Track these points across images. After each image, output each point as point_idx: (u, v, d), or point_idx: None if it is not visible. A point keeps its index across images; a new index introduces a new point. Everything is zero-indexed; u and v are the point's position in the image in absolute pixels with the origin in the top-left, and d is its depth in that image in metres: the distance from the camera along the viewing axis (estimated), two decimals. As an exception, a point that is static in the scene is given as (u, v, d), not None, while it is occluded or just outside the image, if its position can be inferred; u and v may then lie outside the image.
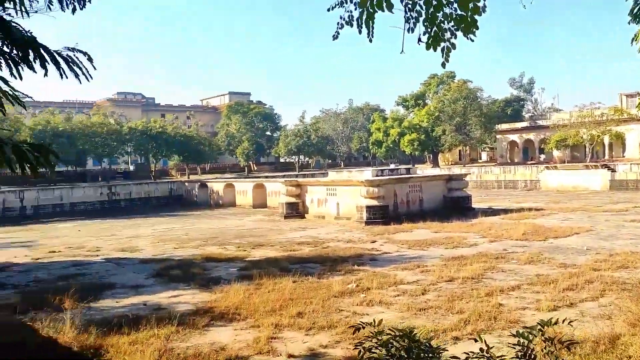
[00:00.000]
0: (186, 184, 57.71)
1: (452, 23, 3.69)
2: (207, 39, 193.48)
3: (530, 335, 4.09)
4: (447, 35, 3.77)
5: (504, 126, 73.92)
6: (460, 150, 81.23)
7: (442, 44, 3.78)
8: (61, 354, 9.41)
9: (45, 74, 4.45)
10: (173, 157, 71.08)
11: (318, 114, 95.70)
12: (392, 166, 62.38)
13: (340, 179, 32.85)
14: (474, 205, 34.51)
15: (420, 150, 73.01)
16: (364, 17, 3.89)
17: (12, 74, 4.55)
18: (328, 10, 4.24)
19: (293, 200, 34.60)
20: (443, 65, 3.98)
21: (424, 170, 55.80)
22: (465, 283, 14.08)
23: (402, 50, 3.93)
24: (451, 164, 76.38)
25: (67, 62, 4.69)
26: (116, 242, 26.50)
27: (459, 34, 3.71)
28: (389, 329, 4.30)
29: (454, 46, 3.84)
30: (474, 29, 3.72)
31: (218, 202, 49.79)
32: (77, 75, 4.76)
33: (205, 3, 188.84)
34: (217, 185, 51.57)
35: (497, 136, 74.35)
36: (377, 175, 31.30)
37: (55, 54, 4.60)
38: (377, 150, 78.00)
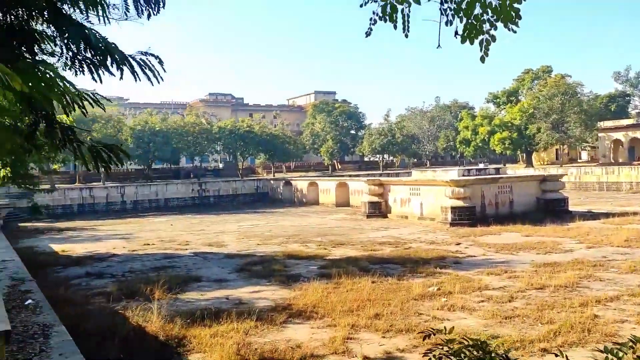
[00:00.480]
0: (271, 181, 59.12)
1: (490, 13, 3.37)
2: (295, 39, 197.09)
3: (619, 352, 3.70)
4: (486, 26, 3.46)
5: (607, 124, 68.90)
6: (557, 150, 76.75)
7: (481, 37, 3.46)
8: (148, 341, 9.90)
9: (121, 77, 4.67)
10: (259, 156, 72.92)
11: (403, 113, 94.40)
12: (481, 165, 60.26)
13: (424, 179, 32.15)
14: (571, 208, 32.47)
15: (512, 150, 69.82)
16: (388, 11, 3.68)
17: (93, 77, 4.85)
18: (360, 6, 4.07)
19: (375, 199, 34.37)
20: (482, 59, 3.64)
21: (516, 170, 53.39)
22: (558, 291, 13.24)
23: (439, 45, 3.68)
24: (547, 164, 72.44)
25: (140, 65, 4.90)
26: (204, 237, 27.63)
27: (500, 24, 3.38)
28: (462, 338, 4.07)
29: (493, 38, 3.48)
30: (516, 19, 3.38)
31: (302, 200, 50.55)
32: (149, 78, 4.97)
33: (292, 5, 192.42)
34: (301, 183, 52.35)
35: (599, 134, 69.45)
36: (463, 175, 30.31)
37: (129, 58, 4.82)
38: (464, 149, 75.63)
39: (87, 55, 4.74)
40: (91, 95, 4.83)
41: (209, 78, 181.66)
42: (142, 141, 58.37)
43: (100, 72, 4.74)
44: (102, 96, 5.31)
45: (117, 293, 14.29)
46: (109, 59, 4.59)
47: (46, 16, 4.49)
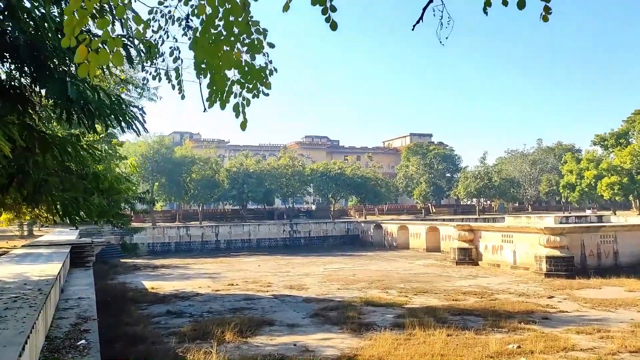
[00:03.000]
0: (362, 224, 58.95)
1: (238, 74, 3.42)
2: (390, 82, 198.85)
3: None
4: (236, 89, 3.40)
5: None
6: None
7: (233, 100, 3.47)
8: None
9: (106, 129, 5.03)
10: (351, 198, 73.32)
11: (502, 155, 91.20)
12: (588, 212, 56.27)
13: (517, 225, 30.47)
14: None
15: (621, 195, 64.65)
16: None
17: (86, 125, 5.26)
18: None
19: (465, 245, 33.05)
20: (242, 126, 3.52)
21: (627, 217, 49.20)
22: (657, 357, 11.81)
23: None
24: (664, 211, 66.17)
25: (121, 119, 5.25)
26: (287, 279, 27.89)
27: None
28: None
29: (248, 102, 3.45)
30: (266, 80, 3.47)
31: (392, 243, 49.86)
32: (134, 130, 5.26)
33: (388, 47, 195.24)
34: (391, 226, 51.74)
35: None
36: (560, 222, 28.40)
37: (113, 111, 5.19)
38: (568, 194, 71.12)
39: (84, 108, 5.15)
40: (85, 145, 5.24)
41: (307, 121, 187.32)
42: (236, 182, 60.98)
43: (85, 122, 5.13)
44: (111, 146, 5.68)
45: (191, 333, 14.69)
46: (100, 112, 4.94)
47: (28, 70, 4.96)
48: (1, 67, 5.21)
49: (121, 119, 5.56)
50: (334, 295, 22.21)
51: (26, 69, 5.07)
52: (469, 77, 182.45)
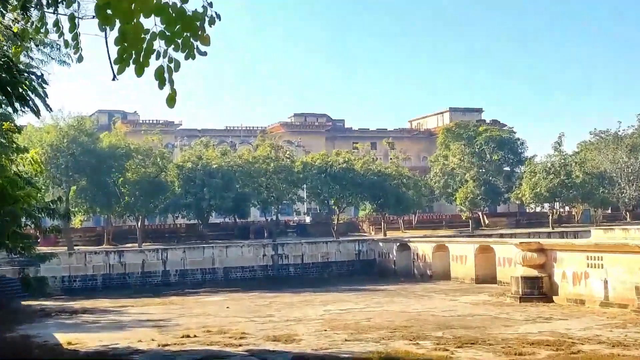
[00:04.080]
0: (380, 244, 59.07)
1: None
2: (422, 37, 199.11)
3: None
4: (158, 46, 3.42)
5: None
6: None
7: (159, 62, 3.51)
8: None
9: None
10: (364, 205, 73.44)
11: (587, 139, 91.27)
12: None
13: (610, 243, 30.65)
14: None
15: None
16: None
17: None
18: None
19: (533, 273, 33.18)
20: (170, 100, 3.52)
21: None
22: None
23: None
24: None
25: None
26: (270, 327, 27.94)
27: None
28: None
29: (177, 65, 3.47)
30: (202, 32, 3.50)
31: (424, 271, 50.10)
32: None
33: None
34: (423, 246, 51.91)
35: None
36: (673, 237, 28.50)
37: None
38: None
39: None
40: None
41: (298, 95, 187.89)
42: (193, 184, 61.11)
43: None
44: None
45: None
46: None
47: None
48: None
49: (11, 91, 5.51)
50: (339, 349, 22.24)
51: None
52: (536, 26, 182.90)
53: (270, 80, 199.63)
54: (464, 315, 29.74)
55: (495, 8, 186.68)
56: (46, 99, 6.39)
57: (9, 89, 5.72)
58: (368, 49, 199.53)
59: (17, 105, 5.87)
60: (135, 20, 3.17)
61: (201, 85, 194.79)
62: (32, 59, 17.94)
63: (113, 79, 3.67)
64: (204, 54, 3.45)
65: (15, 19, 11.85)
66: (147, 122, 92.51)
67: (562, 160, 76.59)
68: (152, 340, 25.39)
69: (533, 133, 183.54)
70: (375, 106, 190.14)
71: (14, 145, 16.78)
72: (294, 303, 36.87)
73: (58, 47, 19.69)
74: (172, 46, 3.36)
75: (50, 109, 6.44)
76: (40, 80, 6.62)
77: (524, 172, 78.71)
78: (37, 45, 16.80)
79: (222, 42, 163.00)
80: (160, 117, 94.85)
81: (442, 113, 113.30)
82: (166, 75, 3.39)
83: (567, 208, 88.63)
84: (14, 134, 17.78)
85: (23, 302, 39.77)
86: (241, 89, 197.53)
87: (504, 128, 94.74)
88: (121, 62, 3.29)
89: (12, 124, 17.69)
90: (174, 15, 3.20)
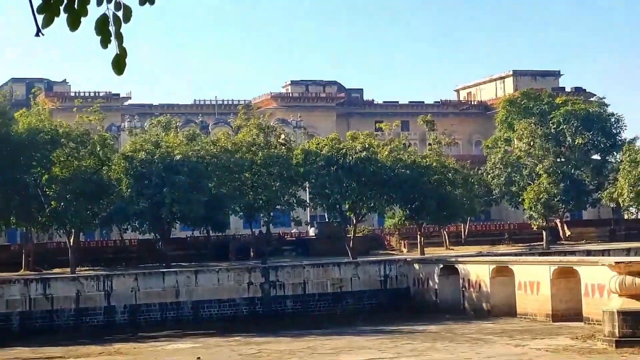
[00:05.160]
0: (416, 266, 59.03)
1: None
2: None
3: None
4: None
5: None
6: None
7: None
8: None
9: None
10: (392, 212, 73.21)
11: None
12: None
13: None
14: None
15: None
16: None
17: None
18: None
19: (636, 306, 33.13)
20: (117, 65, 3.52)
21: None
22: None
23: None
24: None
25: None
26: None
27: None
28: None
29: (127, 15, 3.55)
30: None
31: (480, 305, 50.09)
32: None
33: None
34: (477, 269, 51.92)
35: None
36: None
37: None
38: None
39: None
40: None
41: (295, 57, 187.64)
42: (147, 184, 60.79)
43: None
44: None
45: None
46: None
47: None
48: None
49: None
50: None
51: None
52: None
53: (257, 36, 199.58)
54: (537, 368, 29.84)
55: None
56: None
57: None
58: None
59: None
60: None
61: (158, 43, 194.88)
62: None
63: (37, 34, 3.65)
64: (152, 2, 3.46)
65: None
66: (82, 94, 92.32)
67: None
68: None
69: (633, 107, 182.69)
70: (406, 71, 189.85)
71: None
72: (294, 352, 36.90)
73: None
74: None
75: None
76: None
77: (622, 162, 78.35)
78: None
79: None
80: (101, 88, 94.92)
81: (503, 78, 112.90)
82: (111, 28, 3.40)
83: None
84: None
85: None
86: (216, 48, 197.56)
87: (592, 99, 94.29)
88: (48, 10, 3.30)
89: None
90: None
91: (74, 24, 3.41)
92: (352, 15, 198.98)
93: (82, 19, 3.47)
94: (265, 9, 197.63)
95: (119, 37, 3.48)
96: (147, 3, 3.37)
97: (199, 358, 36.36)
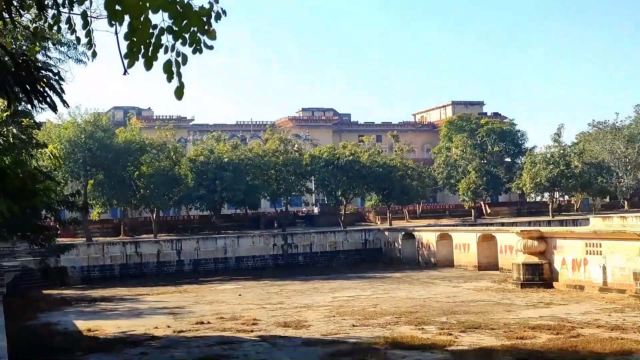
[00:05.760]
0: (386, 233, 58.97)
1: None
2: (422, 32, 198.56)
3: None
4: (166, 41, 3.46)
5: None
6: None
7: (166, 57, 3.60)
8: None
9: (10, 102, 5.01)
10: (370, 196, 73.34)
11: (585, 130, 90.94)
12: None
13: (608, 230, 30.59)
14: None
15: None
16: None
17: None
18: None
19: (534, 260, 33.14)
20: (178, 92, 3.52)
21: None
22: None
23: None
24: None
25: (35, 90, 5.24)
26: (281, 313, 27.99)
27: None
28: None
29: (184, 60, 3.51)
30: (209, 27, 3.53)
31: (429, 259, 50.02)
32: (49, 104, 5.27)
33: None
34: (427, 235, 51.84)
35: None
36: (670, 224, 28.41)
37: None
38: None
39: None
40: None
41: (305, 90, 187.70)
42: (205, 177, 61.17)
43: None
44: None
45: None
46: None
47: None
48: None
49: (29, 88, 5.54)
50: (347, 334, 22.28)
51: None
52: (533, 24, 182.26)
53: (278, 76, 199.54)
54: (467, 301, 29.71)
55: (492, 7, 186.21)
56: (63, 95, 6.42)
57: (27, 86, 5.74)
58: (372, 44, 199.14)
59: (35, 102, 5.88)
60: (143, 16, 3.18)
61: (212, 81, 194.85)
62: (50, 57, 18.00)
63: (124, 73, 3.68)
64: (211, 48, 3.45)
65: (33, 19, 11.90)
66: (161, 117, 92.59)
67: (562, 151, 76.16)
68: (168, 327, 25.49)
69: (533, 125, 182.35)
70: (380, 100, 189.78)
71: (34, 141, 16.81)
72: (304, 290, 36.86)
73: (74, 46, 19.75)
74: (180, 41, 3.36)
75: (67, 105, 6.49)
76: (57, 77, 6.66)
77: (525, 162, 78.24)
78: (54, 45, 16.86)
79: (231, 39, 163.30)
80: (174, 113, 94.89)
81: (445, 106, 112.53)
82: (174, 68, 3.40)
83: (566, 197, 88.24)
84: (34, 130, 17.84)
85: (44, 291, 39.95)
86: (251, 85, 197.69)
87: (505, 120, 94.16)
88: (131, 56, 3.31)
89: (32, 121, 17.75)
90: (181, 10, 3.21)
91: (148, 66, 3.41)
92: (346, 64, 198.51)
93: (154, 62, 3.47)
94: (286, 56, 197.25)
95: (179, 75, 3.47)
96: (197, 52, 3.37)
97: (240, 295, 36.30)
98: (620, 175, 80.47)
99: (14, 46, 12.18)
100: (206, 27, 3.34)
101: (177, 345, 21.66)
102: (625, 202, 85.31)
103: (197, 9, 3.32)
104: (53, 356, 19.45)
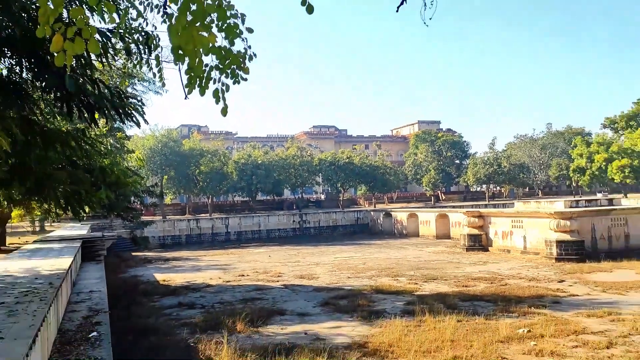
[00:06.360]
0: (372, 213, 58.81)
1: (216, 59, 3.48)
2: (397, 70, 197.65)
3: None
4: (215, 74, 3.49)
5: None
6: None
7: (213, 86, 3.54)
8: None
9: (106, 121, 5.02)
10: (360, 187, 73.31)
11: (512, 140, 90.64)
12: (599, 195, 55.82)
13: (527, 211, 30.35)
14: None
15: (633, 178, 64.08)
16: None
17: (86, 119, 5.26)
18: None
19: (475, 232, 32.95)
20: (223, 112, 3.53)
21: (638, 200, 48.78)
22: (669, 339, 11.72)
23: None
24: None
25: (120, 111, 5.26)
26: (298, 269, 27.94)
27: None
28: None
29: (227, 87, 3.57)
30: (243, 64, 3.51)
31: (402, 231, 49.78)
32: (134, 121, 5.29)
33: (397, 36, 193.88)
34: (400, 214, 51.63)
35: None
36: (570, 206, 28.20)
37: (112, 103, 5.20)
38: (579, 178, 70.63)
39: (84, 101, 5.16)
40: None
41: (315, 111, 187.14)
42: (245, 173, 61.17)
43: (85, 115, 5.15)
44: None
45: (202, 324, 14.78)
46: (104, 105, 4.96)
47: (27, 65, 4.96)
48: (1, 62, 5.24)
49: (121, 111, 5.59)
50: (344, 283, 22.25)
51: (25, 63, 5.08)
52: (477, 63, 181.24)
53: (296, 101, 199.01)
54: (428, 260, 29.64)
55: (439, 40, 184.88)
56: (144, 115, 6.46)
57: (119, 110, 5.78)
58: (366, 78, 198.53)
59: (125, 120, 5.95)
60: (198, 58, 3.20)
61: (249, 105, 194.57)
62: (136, 90, 18.06)
63: (185, 98, 3.70)
64: (245, 79, 3.46)
65: (123, 63, 11.92)
66: (214, 132, 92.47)
67: (495, 155, 75.88)
68: (219, 278, 25.51)
69: (475, 137, 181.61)
70: (368, 119, 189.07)
71: (125, 148, 16.82)
72: (314, 253, 36.80)
73: (153, 82, 19.78)
74: (224, 75, 3.37)
75: (147, 122, 6.55)
76: (140, 103, 6.71)
77: (469, 163, 77.94)
78: (138, 81, 16.87)
79: (265, 73, 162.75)
80: (223, 128, 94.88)
81: (413, 124, 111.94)
82: (220, 95, 3.40)
83: (498, 188, 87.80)
84: (125, 140, 17.86)
85: (132, 253, 40.11)
86: (277, 108, 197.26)
87: (455, 134, 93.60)
88: (189, 85, 3.32)
89: (124, 134, 17.75)
90: (224, 54, 3.23)
91: (202, 92, 3.39)
92: (344, 92, 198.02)
93: (206, 90, 3.45)
94: (301, 87, 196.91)
95: (224, 99, 3.45)
96: (236, 83, 3.41)
97: (269, 256, 36.25)
98: (535, 172, 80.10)
99: (111, 82, 12.21)
100: (242, 65, 3.35)
101: (225, 290, 21.68)
102: (540, 191, 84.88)
103: (235, 53, 3.33)
104: (139, 298, 19.50)
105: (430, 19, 4.51)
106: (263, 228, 54.99)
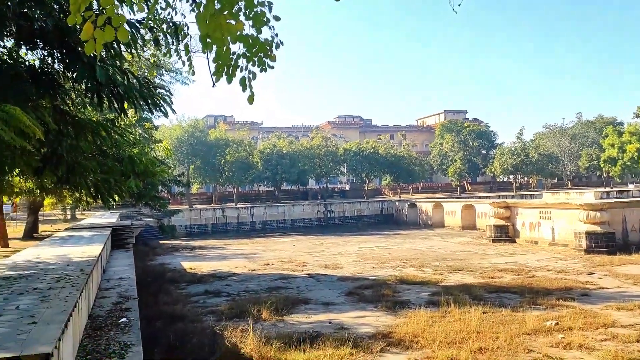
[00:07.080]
0: (396, 203, 58.59)
1: (244, 47, 3.46)
2: (424, 59, 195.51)
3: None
4: (242, 62, 3.49)
5: None
6: None
7: (240, 74, 3.52)
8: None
9: (135, 110, 5.06)
10: (385, 177, 72.94)
11: (540, 131, 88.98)
12: (630, 187, 54.55)
13: (555, 202, 29.84)
14: None
15: (666, 168, 62.45)
16: None
17: (115, 109, 5.33)
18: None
19: (502, 223, 32.55)
20: (250, 99, 3.46)
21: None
22: (702, 334, 11.43)
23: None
24: None
25: (149, 101, 5.30)
26: (322, 258, 28.04)
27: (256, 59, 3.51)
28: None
29: (254, 75, 3.55)
30: (270, 52, 3.48)
31: (427, 222, 49.50)
32: (161, 111, 5.33)
33: (424, 28, 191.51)
34: (425, 205, 51.31)
35: None
36: (601, 197, 27.63)
37: (142, 93, 5.25)
38: (610, 169, 69.07)
39: (114, 91, 5.22)
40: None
41: (340, 101, 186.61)
42: (270, 163, 61.41)
43: (115, 105, 5.22)
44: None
45: (228, 312, 14.98)
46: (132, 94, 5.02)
47: (59, 55, 5.03)
48: (33, 53, 5.37)
49: (149, 101, 5.67)
50: (368, 274, 22.26)
51: (57, 54, 5.19)
52: (505, 53, 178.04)
53: (322, 91, 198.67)
54: (454, 251, 29.45)
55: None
56: (172, 106, 6.56)
57: (148, 100, 5.86)
58: (391, 68, 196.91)
59: (153, 110, 6.04)
60: (225, 46, 3.22)
61: (276, 94, 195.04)
62: (164, 80, 18.24)
63: (213, 86, 3.74)
64: (272, 67, 3.46)
65: (152, 53, 12.06)
66: (240, 122, 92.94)
67: (522, 145, 74.62)
68: (244, 266, 25.78)
69: (502, 126, 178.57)
70: (393, 109, 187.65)
71: (153, 138, 17.04)
72: (338, 243, 36.88)
73: (180, 72, 19.97)
74: (251, 63, 3.39)
75: (175, 112, 6.65)
76: (168, 93, 6.79)
77: (496, 153, 76.85)
78: (166, 71, 17.05)
79: (291, 62, 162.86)
80: (248, 118, 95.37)
81: (438, 114, 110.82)
82: (247, 82, 3.42)
83: (525, 179, 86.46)
84: (153, 131, 18.09)
85: (160, 242, 40.75)
86: (303, 98, 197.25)
87: (482, 124, 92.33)
88: (217, 74, 3.34)
89: (152, 124, 17.99)
90: (251, 42, 3.24)
91: (229, 80, 3.42)
92: (370, 82, 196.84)
93: (233, 78, 3.47)
94: (328, 77, 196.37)
95: (251, 87, 3.47)
96: (263, 71, 3.43)
97: (294, 245, 36.44)
98: (565, 163, 78.59)
99: (139, 73, 12.36)
100: (269, 53, 3.36)
101: (250, 279, 21.90)
102: (569, 182, 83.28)
103: (263, 41, 3.34)
104: (166, 286, 19.83)
105: (459, 5, 4.46)
106: (288, 218, 55.24)
